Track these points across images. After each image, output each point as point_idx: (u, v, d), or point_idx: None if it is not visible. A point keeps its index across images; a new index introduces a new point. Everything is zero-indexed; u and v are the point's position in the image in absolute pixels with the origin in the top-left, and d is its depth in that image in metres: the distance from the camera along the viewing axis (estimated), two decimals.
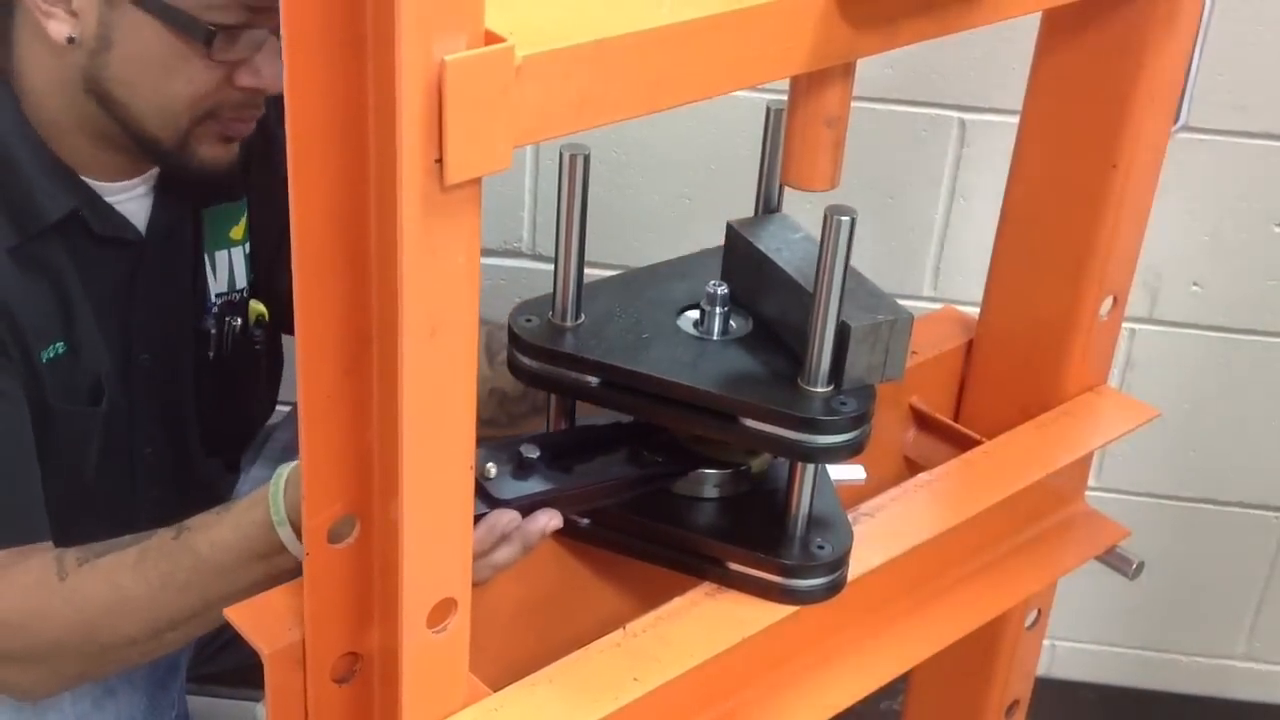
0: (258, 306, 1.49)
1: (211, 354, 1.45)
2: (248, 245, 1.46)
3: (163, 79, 1.20)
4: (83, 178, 1.28)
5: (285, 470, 1.07)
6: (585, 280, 1.07)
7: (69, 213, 1.26)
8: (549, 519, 1.03)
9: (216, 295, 1.45)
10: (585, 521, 1.09)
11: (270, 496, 1.07)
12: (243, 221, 1.45)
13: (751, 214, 1.15)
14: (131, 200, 1.33)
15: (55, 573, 1.15)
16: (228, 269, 1.45)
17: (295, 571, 1.10)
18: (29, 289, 1.24)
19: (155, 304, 1.38)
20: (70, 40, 1.19)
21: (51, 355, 1.27)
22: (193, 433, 1.47)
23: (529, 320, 1.06)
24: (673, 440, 1.10)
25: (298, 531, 1.06)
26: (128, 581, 1.13)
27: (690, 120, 1.77)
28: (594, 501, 1.08)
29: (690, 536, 1.06)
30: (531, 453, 1.04)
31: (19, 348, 1.24)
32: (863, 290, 1.03)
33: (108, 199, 1.31)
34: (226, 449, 1.34)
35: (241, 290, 1.47)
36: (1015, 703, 1.47)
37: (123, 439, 1.37)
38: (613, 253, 1.85)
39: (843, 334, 0.99)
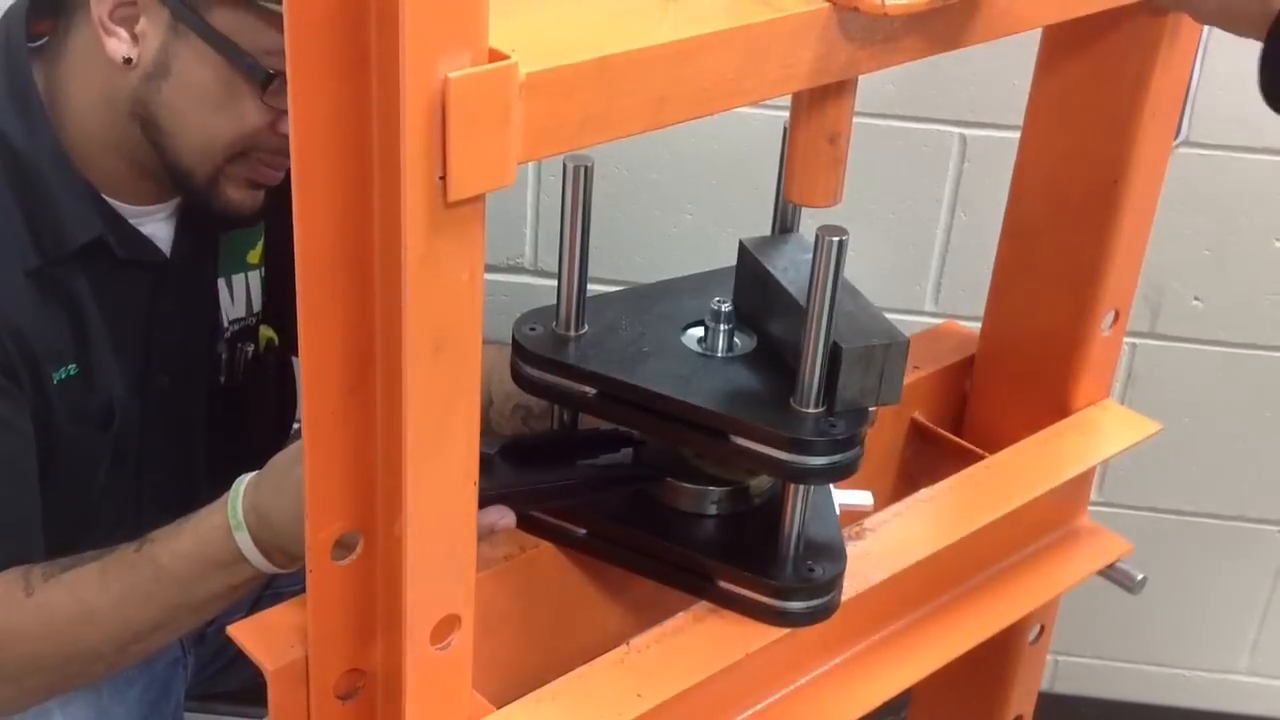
0: (266, 332, 1.49)
1: (223, 379, 1.45)
2: (263, 269, 1.46)
3: (211, 113, 1.22)
4: (107, 199, 1.28)
5: (246, 479, 1.07)
6: (596, 294, 1.08)
7: (94, 238, 1.27)
8: (499, 517, 1.03)
9: (232, 320, 1.45)
10: (582, 532, 1.09)
11: (229, 503, 1.07)
12: (259, 245, 1.45)
13: (755, 228, 1.15)
14: (155, 222, 1.34)
15: (23, 589, 1.15)
16: (245, 293, 1.45)
17: (255, 580, 1.09)
18: (44, 311, 1.25)
19: (175, 326, 1.38)
20: (127, 61, 1.20)
21: (63, 376, 1.27)
22: (200, 459, 1.46)
23: (532, 329, 1.06)
24: (654, 450, 1.10)
25: (255, 539, 1.06)
26: (92, 595, 1.13)
27: (693, 136, 1.77)
28: (550, 501, 1.08)
29: (684, 552, 1.06)
30: (489, 449, 1.04)
31: (31, 371, 1.24)
32: (862, 312, 1.03)
33: (131, 221, 1.31)
34: (233, 476, 1.34)
35: (257, 314, 1.47)
36: (1018, 718, 1.46)
37: (131, 463, 1.37)
38: (616, 268, 1.85)
39: (835, 356, 0.99)
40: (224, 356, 1.44)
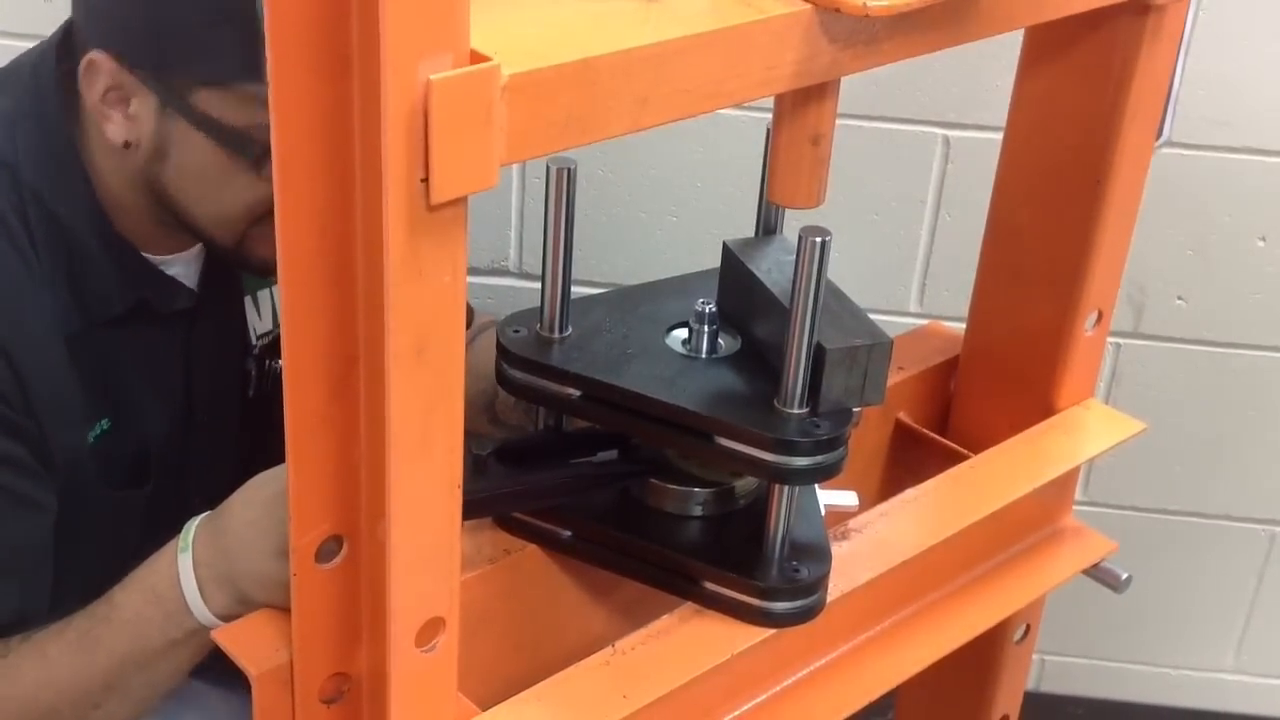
0: None
1: (252, 392, 1.44)
2: None
3: (215, 191, 1.20)
4: (143, 254, 1.28)
5: (198, 520, 1.07)
6: (580, 297, 1.08)
7: (137, 301, 1.26)
8: None
9: (260, 335, 1.44)
10: (568, 534, 1.09)
11: (183, 531, 1.07)
12: None
13: (739, 230, 1.15)
14: (183, 262, 1.33)
15: (1, 653, 1.13)
16: (270, 305, 1.45)
17: (197, 637, 1.06)
18: (81, 373, 1.23)
19: (208, 356, 1.37)
20: (126, 144, 1.19)
21: (97, 434, 1.27)
22: (229, 476, 1.45)
23: (517, 331, 1.06)
24: (646, 448, 1.11)
25: (198, 562, 1.05)
26: (53, 649, 1.11)
27: (677, 138, 1.77)
28: (543, 501, 1.08)
29: (669, 554, 1.06)
30: (481, 450, 1.04)
31: (64, 442, 1.23)
32: (846, 313, 1.03)
33: (161, 267, 1.30)
34: None
35: None
36: (1005, 718, 1.47)
37: (172, 504, 1.36)
38: (599, 270, 1.85)
39: (819, 356, 0.99)
40: (253, 372, 1.43)
